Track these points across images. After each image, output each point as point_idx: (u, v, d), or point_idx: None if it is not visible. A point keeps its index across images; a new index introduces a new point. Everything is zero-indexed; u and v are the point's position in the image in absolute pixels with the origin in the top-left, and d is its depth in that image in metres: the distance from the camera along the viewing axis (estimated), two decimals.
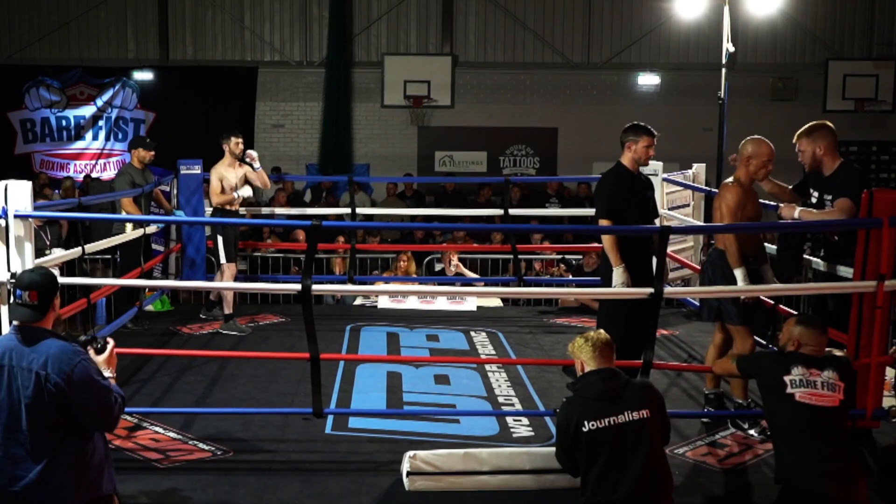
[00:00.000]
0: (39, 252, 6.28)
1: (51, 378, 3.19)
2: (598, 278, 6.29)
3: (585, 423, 3.68)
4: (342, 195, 14.25)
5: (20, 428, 3.23)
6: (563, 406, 3.84)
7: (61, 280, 3.94)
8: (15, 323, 3.35)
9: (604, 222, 5.48)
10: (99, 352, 3.55)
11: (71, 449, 3.26)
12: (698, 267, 7.95)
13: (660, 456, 3.75)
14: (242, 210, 8.15)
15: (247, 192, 7.68)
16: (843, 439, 3.87)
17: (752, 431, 5.14)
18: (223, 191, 7.49)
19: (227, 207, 7.55)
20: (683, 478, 4.54)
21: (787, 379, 3.88)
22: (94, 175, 14.95)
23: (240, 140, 7.62)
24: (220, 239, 7.47)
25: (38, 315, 3.30)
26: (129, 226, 7.29)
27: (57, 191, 13.52)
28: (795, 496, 3.78)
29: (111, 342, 3.61)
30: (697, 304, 8.15)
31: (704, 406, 5.42)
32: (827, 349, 4.08)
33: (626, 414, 3.69)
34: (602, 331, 4.03)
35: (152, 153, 7.81)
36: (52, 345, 3.25)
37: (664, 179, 8.38)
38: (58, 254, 6.35)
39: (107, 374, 3.50)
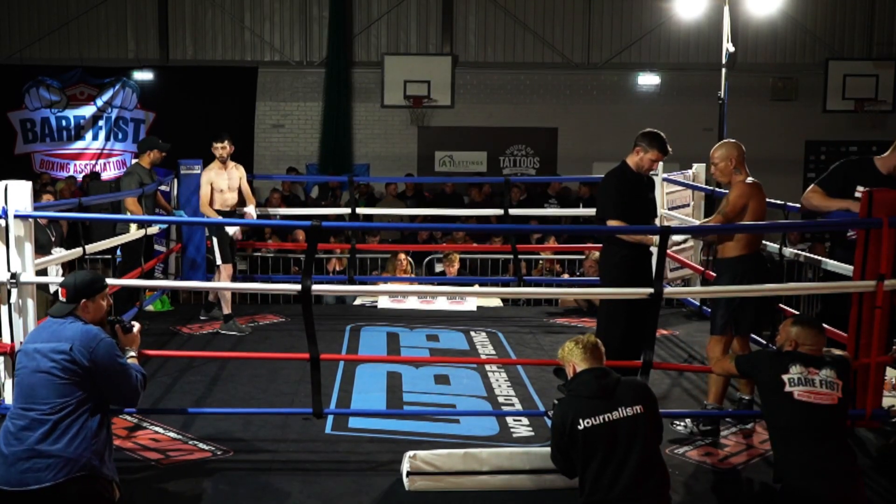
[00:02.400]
0: (45, 249, 6.30)
1: (75, 354, 3.56)
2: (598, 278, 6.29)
3: (580, 421, 3.70)
4: (342, 194, 14.24)
5: (38, 399, 3.54)
6: (557, 406, 3.87)
7: (59, 280, 4.24)
8: (51, 314, 3.78)
9: (613, 223, 5.42)
10: (126, 331, 4.09)
11: (81, 423, 3.55)
12: (699, 267, 7.96)
13: (655, 451, 3.77)
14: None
15: (251, 209, 7.78)
16: (842, 438, 3.87)
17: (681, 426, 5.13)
18: (212, 201, 7.50)
19: (223, 209, 7.55)
20: (684, 478, 4.54)
21: (785, 377, 3.89)
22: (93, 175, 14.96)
23: (220, 144, 7.55)
24: (214, 240, 7.47)
25: (65, 308, 3.73)
26: (133, 226, 7.30)
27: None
28: (794, 495, 3.78)
29: (137, 325, 4.17)
30: (697, 303, 8.21)
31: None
32: (826, 349, 4.09)
33: (619, 410, 3.71)
34: (591, 334, 4.11)
35: (164, 154, 7.86)
36: (78, 327, 3.67)
37: (664, 179, 8.40)
38: (59, 253, 6.35)
39: (131, 353, 4.02)
